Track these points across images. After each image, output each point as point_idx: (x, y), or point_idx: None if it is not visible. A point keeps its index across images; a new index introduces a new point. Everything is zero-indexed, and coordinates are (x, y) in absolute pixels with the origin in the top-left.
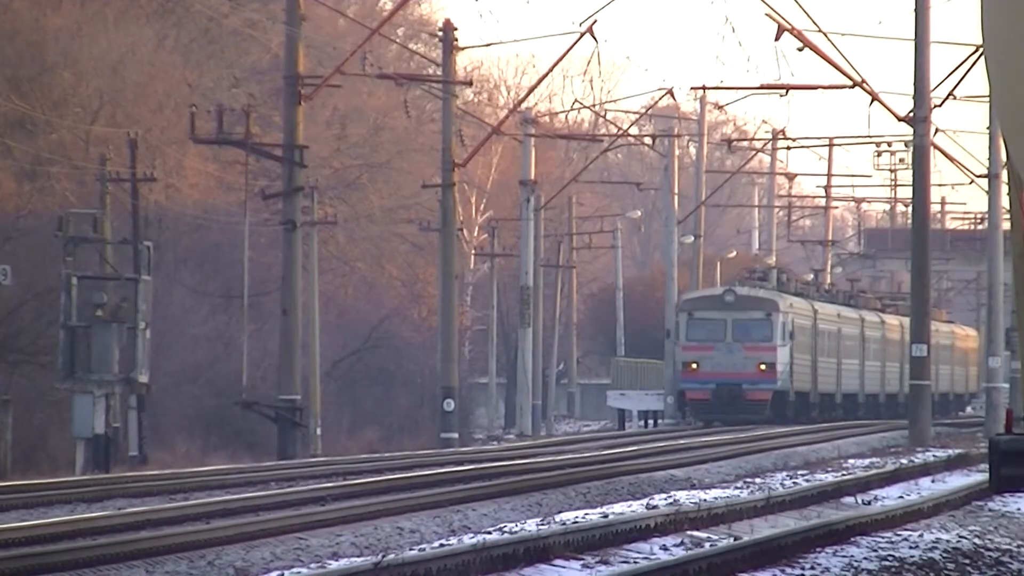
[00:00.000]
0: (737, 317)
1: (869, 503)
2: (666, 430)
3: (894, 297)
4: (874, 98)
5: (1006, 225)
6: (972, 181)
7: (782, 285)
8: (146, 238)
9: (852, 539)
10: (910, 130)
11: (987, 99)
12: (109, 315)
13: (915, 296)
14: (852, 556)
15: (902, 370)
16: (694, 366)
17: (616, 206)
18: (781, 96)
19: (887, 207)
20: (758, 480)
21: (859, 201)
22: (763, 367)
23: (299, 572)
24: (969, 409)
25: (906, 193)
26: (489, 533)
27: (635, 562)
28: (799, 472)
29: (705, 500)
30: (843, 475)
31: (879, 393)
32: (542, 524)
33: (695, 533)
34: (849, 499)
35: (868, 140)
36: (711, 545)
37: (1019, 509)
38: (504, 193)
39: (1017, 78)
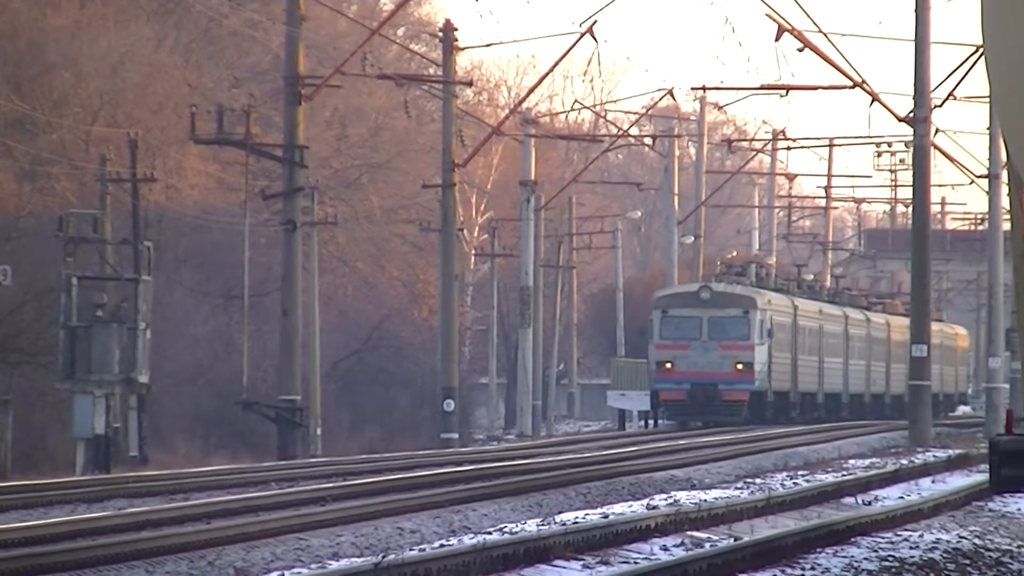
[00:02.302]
0: (713, 315)
1: (869, 503)
2: (666, 430)
3: (880, 295)
4: (874, 98)
5: (1006, 225)
6: (972, 181)
7: (760, 281)
8: (146, 238)
9: (852, 539)
10: (910, 130)
11: (987, 99)
12: (109, 315)
13: (915, 296)
14: (852, 556)
15: (888, 369)
16: (668, 365)
17: (616, 206)
18: (781, 96)
19: (887, 207)
20: (758, 480)
21: (859, 201)
22: (740, 366)
23: (299, 572)
24: (961, 409)
25: (906, 193)
26: (489, 533)
27: (635, 562)
28: (799, 472)
29: (705, 500)
30: (843, 475)
31: (864, 393)
32: (542, 524)
33: (695, 533)
34: (849, 499)
35: (868, 140)
36: (711, 545)
37: (1019, 509)
38: (504, 193)
39: (1017, 78)
